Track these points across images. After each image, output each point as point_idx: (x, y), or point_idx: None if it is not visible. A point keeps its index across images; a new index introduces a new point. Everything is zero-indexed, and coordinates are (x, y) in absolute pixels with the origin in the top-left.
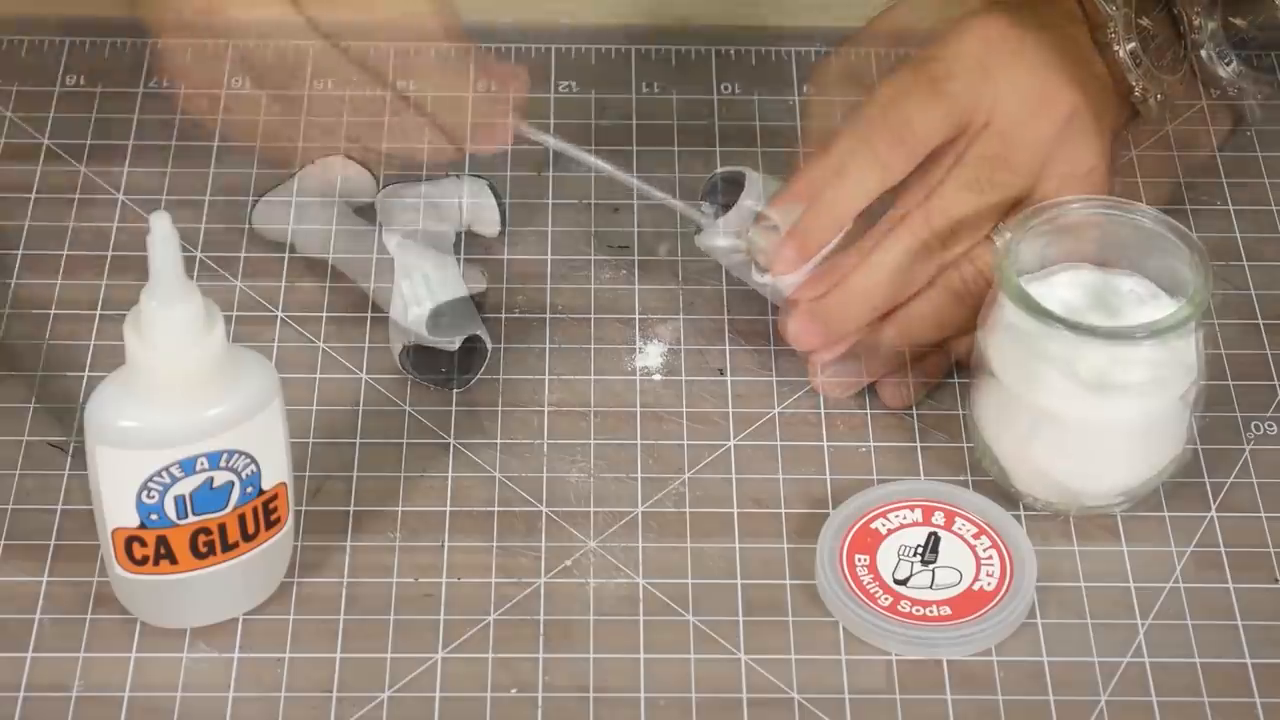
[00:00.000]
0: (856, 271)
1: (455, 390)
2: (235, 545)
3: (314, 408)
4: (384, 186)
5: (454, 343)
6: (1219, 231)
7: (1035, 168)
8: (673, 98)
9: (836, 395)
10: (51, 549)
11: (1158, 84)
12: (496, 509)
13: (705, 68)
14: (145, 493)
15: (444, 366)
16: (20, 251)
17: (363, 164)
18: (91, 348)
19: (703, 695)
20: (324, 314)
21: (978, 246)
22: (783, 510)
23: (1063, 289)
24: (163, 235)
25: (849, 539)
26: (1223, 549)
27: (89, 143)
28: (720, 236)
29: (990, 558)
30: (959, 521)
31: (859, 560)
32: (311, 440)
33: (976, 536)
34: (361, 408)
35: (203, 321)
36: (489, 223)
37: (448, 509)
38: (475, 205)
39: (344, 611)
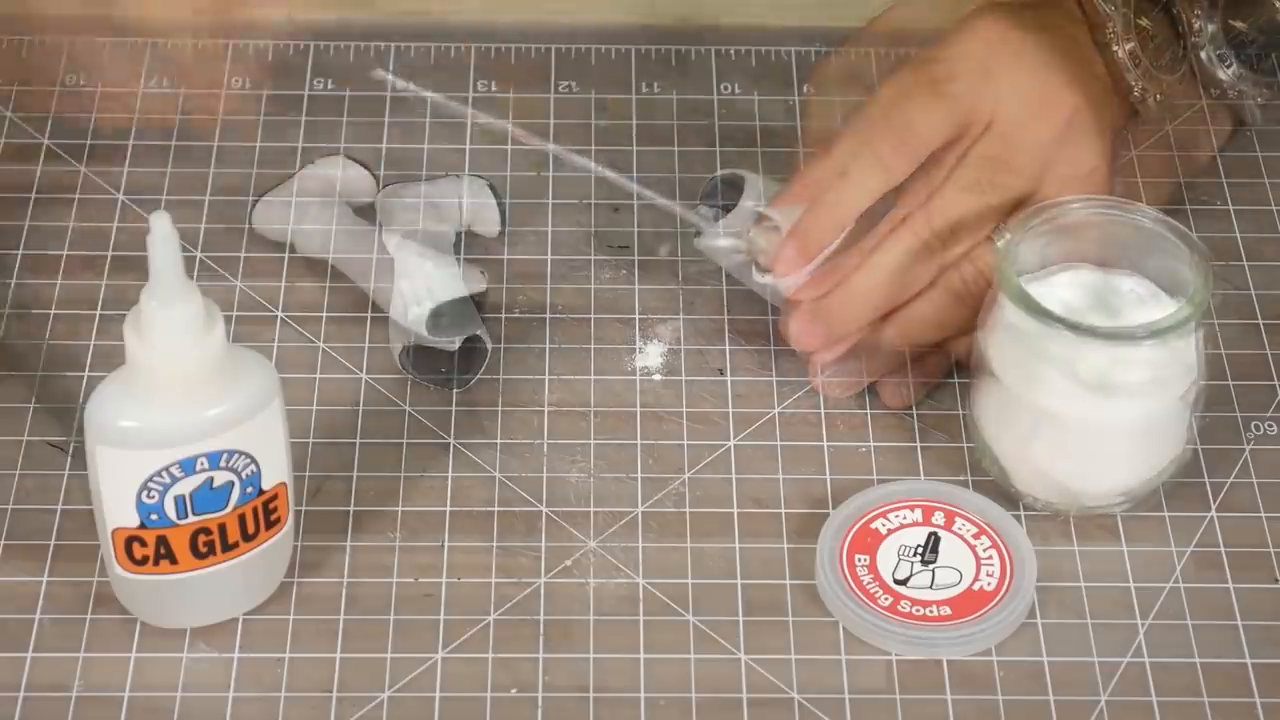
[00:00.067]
0: (857, 272)
1: (455, 390)
2: (235, 545)
3: (314, 408)
4: (384, 186)
5: (454, 343)
6: (1219, 231)
7: (1036, 169)
8: (673, 98)
9: (837, 395)
10: (51, 549)
11: (1157, 84)
12: (496, 509)
13: (705, 68)
14: (145, 493)
15: (444, 366)
16: (20, 251)
17: (362, 164)
18: (91, 348)
19: (703, 695)
20: (324, 314)
21: (978, 247)
22: (783, 510)
23: (1063, 289)
24: (163, 235)
25: (849, 539)
26: (1223, 549)
27: (89, 143)
28: (720, 238)
29: (990, 558)
30: (959, 521)
31: (859, 560)
32: (311, 440)
33: (976, 536)
34: (361, 408)
35: (203, 321)
36: (489, 223)
37: (448, 509)
38: (475, 205)
39: (344, 611)
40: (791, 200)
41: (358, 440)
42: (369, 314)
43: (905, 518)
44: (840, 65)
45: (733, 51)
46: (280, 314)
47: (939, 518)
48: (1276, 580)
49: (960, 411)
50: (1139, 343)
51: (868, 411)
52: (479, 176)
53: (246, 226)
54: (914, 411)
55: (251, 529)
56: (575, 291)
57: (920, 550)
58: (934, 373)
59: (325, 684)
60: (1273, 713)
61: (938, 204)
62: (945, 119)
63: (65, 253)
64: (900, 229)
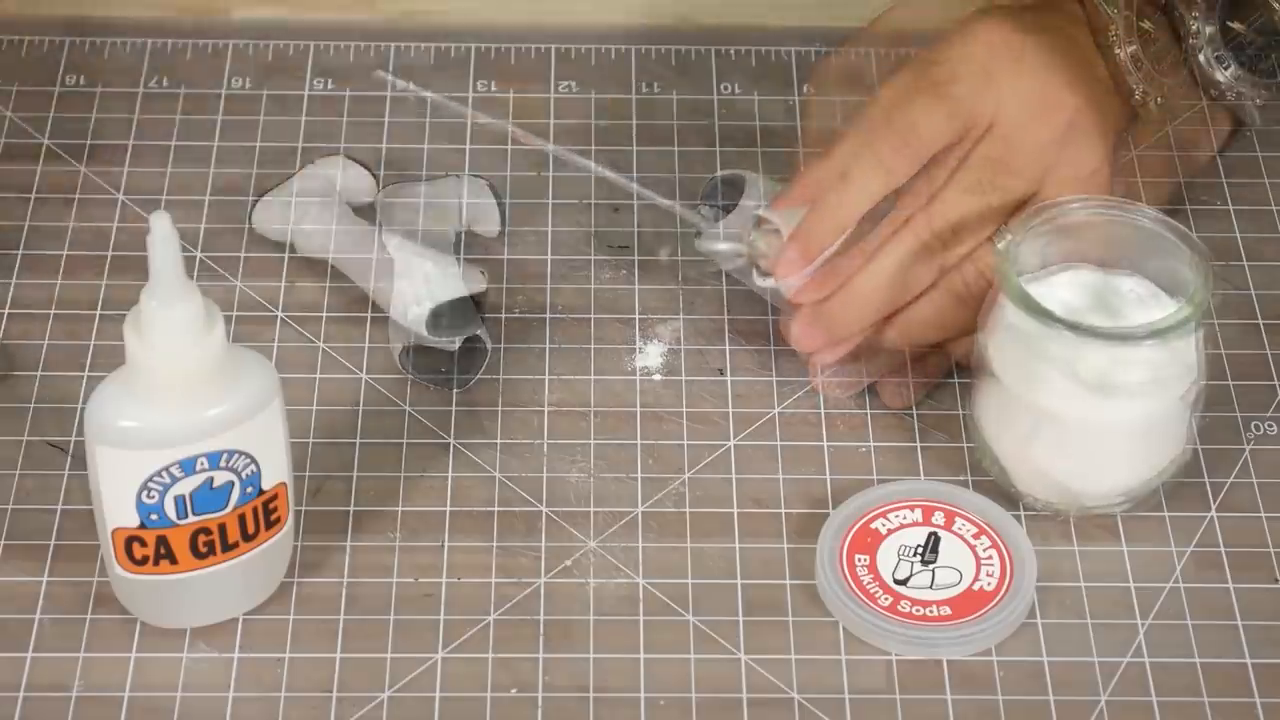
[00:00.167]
0: (859, 274)
1: (455, 390)
2: (235, 545)
3: (314, 408)
4: (384, 186)
5: (454, 343)
6: (1219, 231)
7: (1037, 171)
8: (673, 98)
9: (837, 395)
10: (51, 549)
11: (1158, 87)
12: (496, 509)
13: (705, 68)
14: (145, 493)
15: (444, 366)
16: (20, 251)
17: (362, 164)
18: (91, 348)
19: (703, 695)
20: (324, 314)
21: (980, 248)
22: (783, 510)
23: (1063, 290)
24: (163, 235)
25: (849, 539)
26: (1223, 549)
27: (89, 143)
28: (721, 241)
29: (990, 558)
30: (959, 521)
31: (859, 560)
32: (311, 440)
33: (976, 536)
34: (361, 408)
35: (203, 321)
36: (489, 223)
37: (448, 509)
38: (475, 205)
39: (344, 611)
40: (792, 202)
41: (358, 440)
42: (369, 314)
43: (905, 518)
44: (841, 65)
45: (733, 51)
46: (280, 314)
47: (939, 518)
48: (1276, 580)
49: (960, 411)
50: (1139, 343)
51: (868, 411)
52: (479, 176)
53: (246, 226)
54: (914, 411)
55: (251, 529)
56: (575, 291)
57: (920, 550)
58: (934, 373)
59: (325, 684)
60: (1273, 713)
61: (939, 206)
62: (947, 121)
63: (65, 253)
64: (902, 231)
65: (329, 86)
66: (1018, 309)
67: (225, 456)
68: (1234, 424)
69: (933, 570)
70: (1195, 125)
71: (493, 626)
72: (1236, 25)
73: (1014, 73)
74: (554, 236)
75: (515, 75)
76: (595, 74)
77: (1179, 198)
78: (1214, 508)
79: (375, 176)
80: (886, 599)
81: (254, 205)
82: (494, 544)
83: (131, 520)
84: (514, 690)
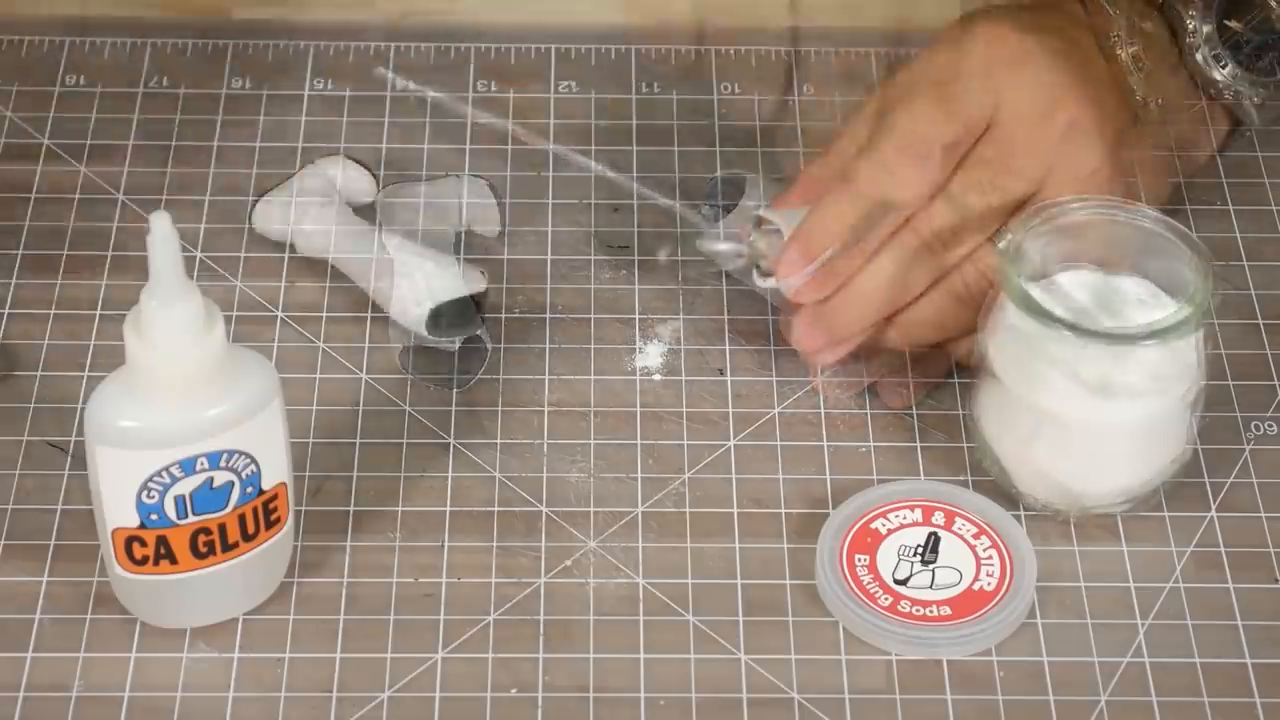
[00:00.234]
0: (859, 275)
1: (455, 390)
2: (235, 545)
3: (314, 408)
4: (384, 186)
5: (454, 343)
6: (1219, 231)
7: (1038, 171)
8: (673, 98)
9: (838, 395)
10: (51, 549)
11: (1159, 88)
12: (496, 509)
13: (705, 68)
14: (145, 493)
15: (444, 366)
16: (20, 251)
17: (362, 164)
18: (91, 348)
19: (703, 695)
20: (324, 314)
21: (980, 249)
22: (783, 510)
23: (1064, 290)
24: (163, 235)
25: (849, 539)
26: (1223, 549)
27: (89, 143)
28: (721, 242)
29: (990, 558)
30: (959, 521)
31: (859, 560)
32: (311, 440)
33: (976, 536)
34: (361, 408)
35: (203, 321)
36: (489, 223)
37: (448, 509)
38: (475, 205)
39: (344, 611)
40: (792, 202)
41: (358, 440)
42: (369, 314)
43: (905, 518)
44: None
45: (733, 51)
46: (280, 314)
47: (939, 518)
48: (1276, 580)
49: (960, 411)
50: (1140, 344)
51: (868, 411)
52: (479, 176)
53: (246, 226)
54: (914, 411)
55: (251, 529)
56: (575, 291)
57: (920, 550)
58: (934, 373)
59: (325, 684)
60: (1273, 713)
61: (939, 206)
62: (947, 121)
63: (65, 253)
64: (902, 231)
65: (329, 86)
66: (1019, 309)
67: (225, 456)
68: (1234, 424)
69: (933, 570)
70: (1194, 125)
71: (493, 626)
72: (1234, 24)
73: (1014, 72)
74: (554, 236)
75: (515, 75)
76: (595, 74)
77: (1177, 198)
78: (1214, 508)
79: (375, 176)
80: (886, 599)
81: (254, 205)
82: (494, 544)
83: (131, 520)
84: (514, 690)
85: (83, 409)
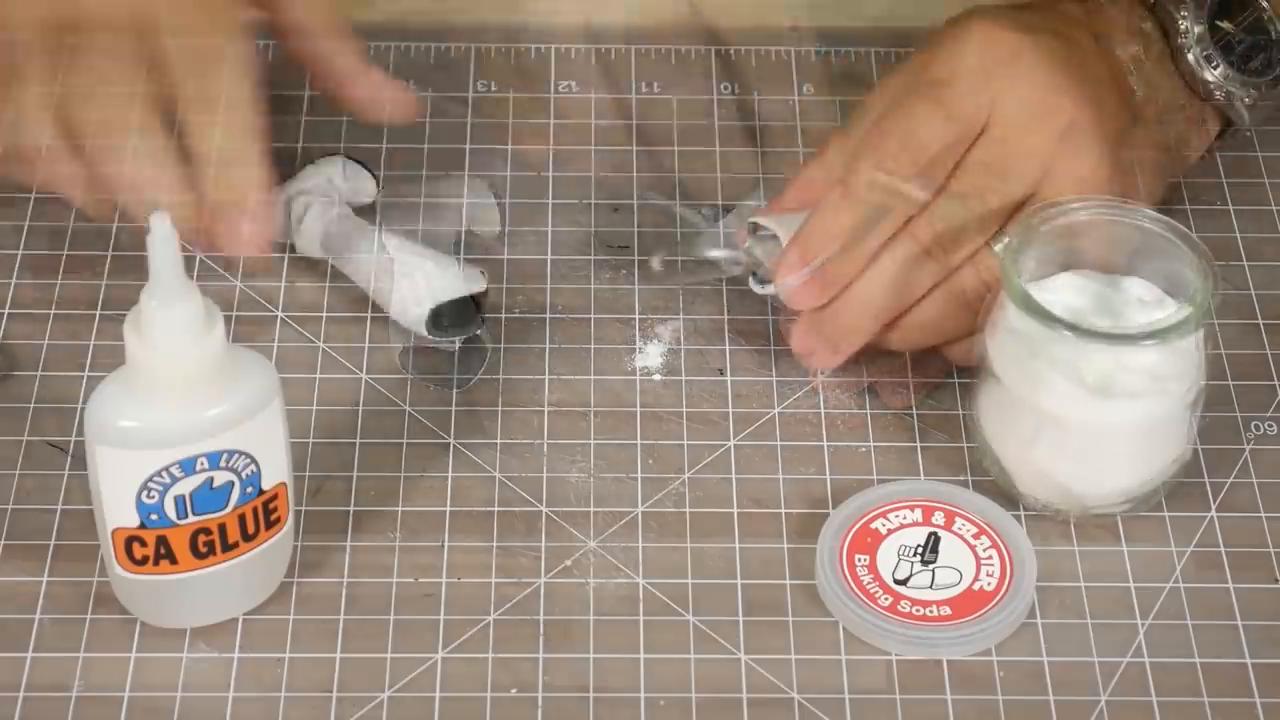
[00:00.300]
0: (859, 281)
1: (455, 390)
2: (235, 545)
3: (314, 408)
4: (384, 186)
5: (454, 343)
6: (1219, 231)
7: (1035, 173)
8: (673, 98)
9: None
10: (51, 549)
11: (1157, 88)
12: (496, 509)
13: (705, 68)
14: (145, 493)
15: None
16: (20, 251)
17: (362, 164)
18: (91, 348)
19: (703, 695)
20: (324, 314)
21: (980, 252)
22: (783, 510)
23: (1065, 292)
24: (163, 235)
25: (849, 539)
26: (1223, 549)
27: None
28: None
29: (990, 558)
30: (959, 521)
31: (859, 560)
32: (311, 440)
33: (976, 536)
34: (361, 408)
35: (203, 321)
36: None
37: (448, 509)
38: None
39: (344, 611)
40: (788, 204)
41: (358, 440)
42: (369, 314)
43: (905, 518)
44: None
45: (732, 51)
46: (280, 314)
47: (939, 518)
48: (1276, 580)
49: (960, 411)
50: (1142, 345)
51: (868, 411)
52: (479, 176)
53: None
54: (914, 411)
55: (251, 529)
56: (575, 291)
57: (920, 550)
58: (934, 373)
59: (325, 684)
60: (1273, 713)
61: (937, 209)
62: (944, 124)
63: (65, 253)
64: (901, 235)
65: None
66: (1019, 310)
67: (225, 456)
68: (1234, 424)
69: (933, 570)
70: (1187, 125)
71: (493, 626)
72: (1225, 24)
73: (1010, 73)
74: (554, 236)
75: (515, 75)
76: (595, 74)
77: (1176, 197)
78: (1214, 508)
79: (375, 176)
80: (886, 599)
81: None
82: (494, 544)
83: (131, 520)
84: (514, 690)
85: (83, 409)
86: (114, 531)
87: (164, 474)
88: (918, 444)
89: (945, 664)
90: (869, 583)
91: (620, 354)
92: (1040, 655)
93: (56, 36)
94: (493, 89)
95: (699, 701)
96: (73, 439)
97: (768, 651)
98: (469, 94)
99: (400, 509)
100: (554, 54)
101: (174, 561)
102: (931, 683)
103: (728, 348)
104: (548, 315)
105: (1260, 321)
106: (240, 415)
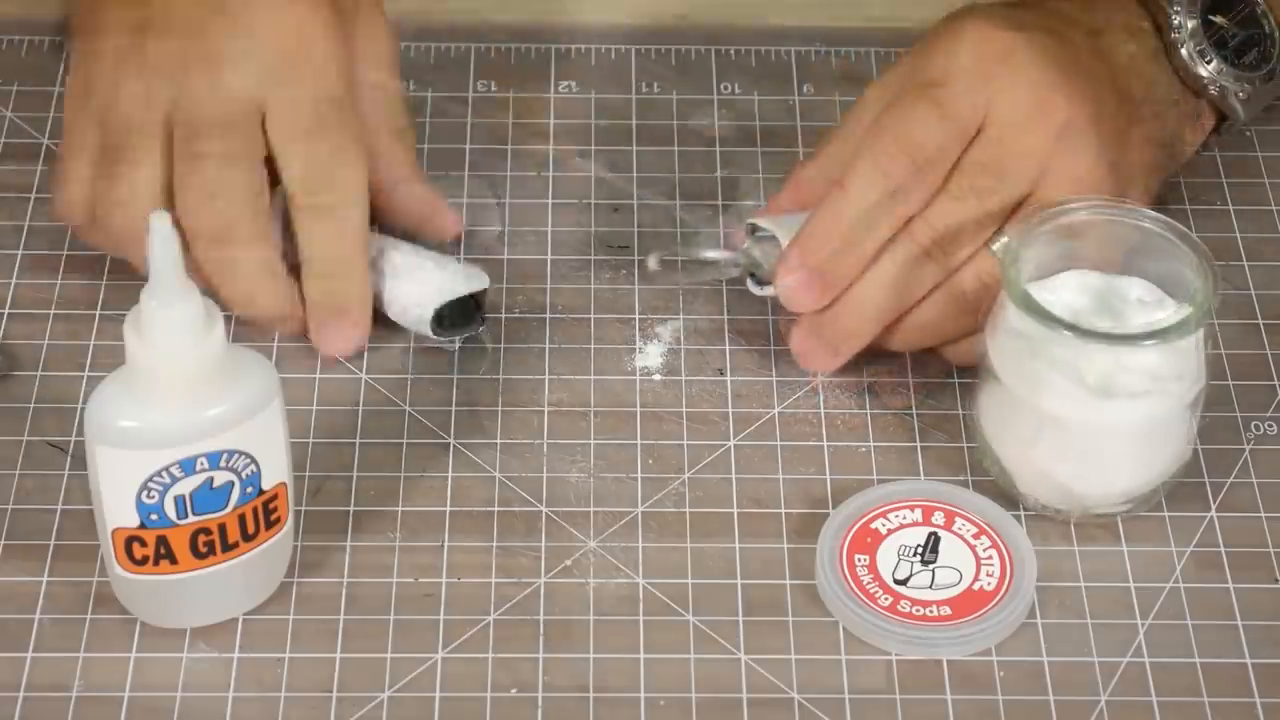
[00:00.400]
0: (858, 284)
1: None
2: (235, 545)
3: (314, 408)
4: None
5: (454, 343)
6: (1219, 231)
7: (1033, 173)
8: (673, 98)
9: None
10: (51, 549)
11: (1153, 85)
12: (496, 509)
13: (705, 68)
14: (145, 493)
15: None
16: (20, 251)
17: None
18: (91, 348)
19: (703, 695)
20: None
21: (979, 253)
22: (783, 510)
23: (1066, 293)
24: (163, 235)
25: (849, 539)
26: (1223, 549)
27: None
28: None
29: (990, 558)
30: (959, 521)
31: (859, 560)
32: (311, 440)
33: (976, 536)
34: (361, 408)
35: (203, 321)
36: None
37: (448, 509)
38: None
39: (344, 611)
40: (784, 203)
41: (358, 440)
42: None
43: (905, 518)
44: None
45: (733, 51)
46: None
47: (939, 518)
48: (1276, 580)
49: (960, 411)
50: (1142, 345)
51: (868, 411)
52: (479, 176)
53: None
54: (914, 411)
55: (251, 529)
56: (575, 291)
57: (920, 550)
58: (934, 373)
59: (325, 684)
60: (1273, 713)
61: (935, 211)
62: (941, 125)
63: (65, 253)
64: (900, 237)
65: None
66: (1019, 311)
67: (225, 456)
68: (1234, 424)
69: (933, 570)
70: (1182, 122)
71: (493, 626)
72: (1218, 19)
73: (1005, 73)
74: (554, 236)
75: (515, 75)
76: (595, 74)
77: (1175, 197)
78: (1214, 508)
79: None
80: (886, 599)
81: None
82: (494, 544)
83: (131, 520)
84: (514, 690)
85: (83, 409)
86: (114, 531)
87: (164, 474)
88: (918, 444)
89: (945, 664)
90: (869, 583)
91: (620, 354)
92: (1040, 655)
93: (172, 126)
94: (493, 89)
95: (699, 701)
96: (73, 439)
97: (768, 651)
98: (469, 94)
99: (400, 509)
100: (554, 54)
101: (174, 561)
102: (931, 683)
103: (728, 348)
104: (548, 315)
105: (1260, 321)
106: (240, 415)
